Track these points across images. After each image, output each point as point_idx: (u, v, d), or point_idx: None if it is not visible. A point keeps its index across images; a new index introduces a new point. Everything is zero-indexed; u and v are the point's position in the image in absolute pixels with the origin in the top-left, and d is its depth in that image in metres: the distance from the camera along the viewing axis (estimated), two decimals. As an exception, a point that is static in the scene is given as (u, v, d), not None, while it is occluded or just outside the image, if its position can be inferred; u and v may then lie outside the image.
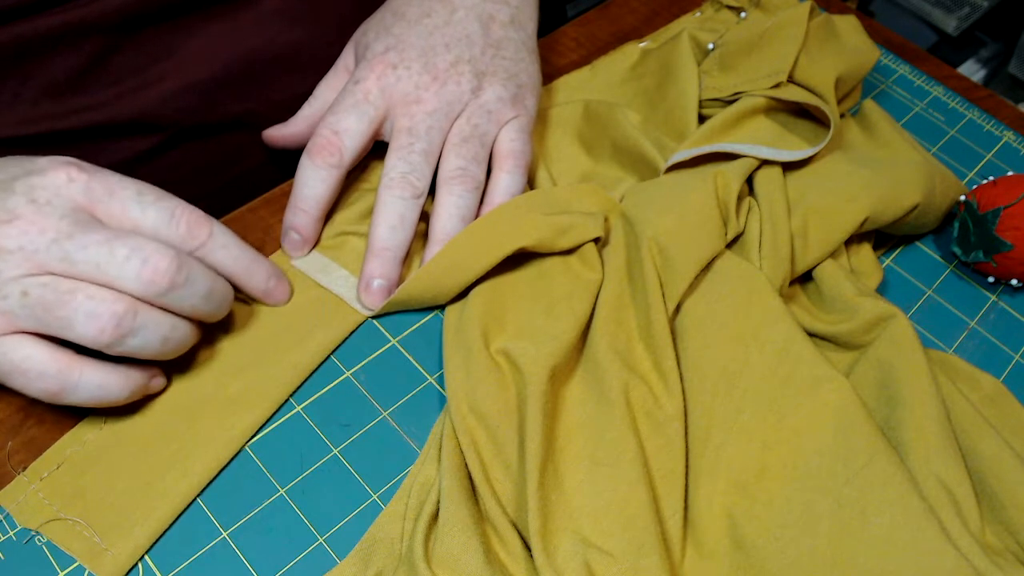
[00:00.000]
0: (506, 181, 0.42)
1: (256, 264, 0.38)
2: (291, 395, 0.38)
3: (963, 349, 0.42)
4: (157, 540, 0.34)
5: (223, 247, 0.37)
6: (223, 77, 0.46)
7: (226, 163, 0.50)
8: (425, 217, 0.43)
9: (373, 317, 0.40)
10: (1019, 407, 0.39)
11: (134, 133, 0.46)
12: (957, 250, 0.44)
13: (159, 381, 0.37)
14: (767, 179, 0.43)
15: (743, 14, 0.52)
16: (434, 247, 0.40)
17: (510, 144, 0.43)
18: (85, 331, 0.32)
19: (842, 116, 0.49)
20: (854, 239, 0.44)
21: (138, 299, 0.33)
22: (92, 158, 0.45)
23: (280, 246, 0.42)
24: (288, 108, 0.47)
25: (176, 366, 0.37)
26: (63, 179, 0.34)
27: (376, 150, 0.44)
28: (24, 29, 0.40)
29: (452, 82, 0.42)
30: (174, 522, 0.34)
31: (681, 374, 0.37)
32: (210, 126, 0.48)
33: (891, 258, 0.46)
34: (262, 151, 0.50)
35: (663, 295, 0.39)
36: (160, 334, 0.34)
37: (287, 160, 0.47)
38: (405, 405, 0.38)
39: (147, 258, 0.33)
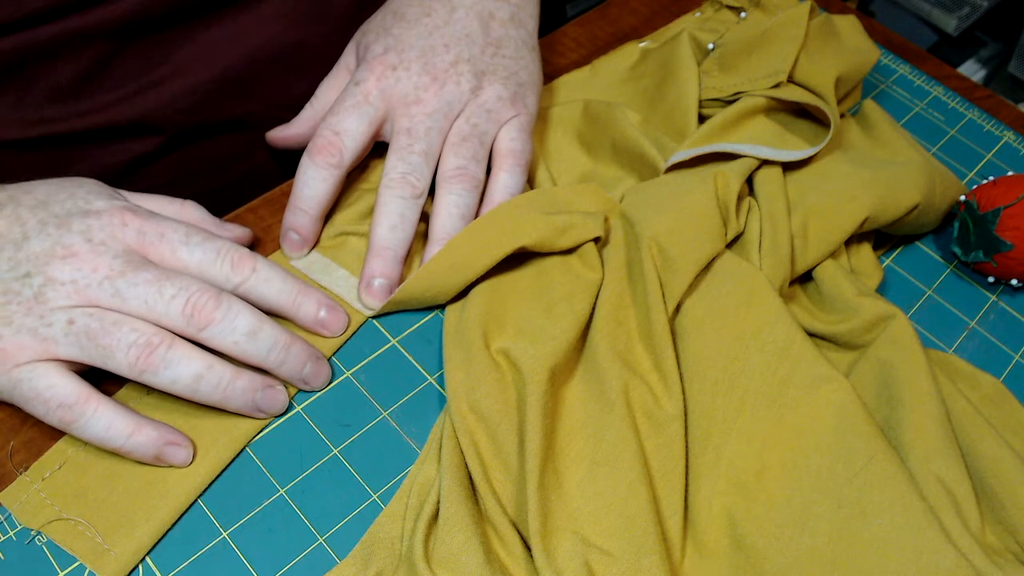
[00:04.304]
0: (505, 180, 0.42)
1: (304, 296, 0.38)
2: (292, 396, 0.38)
3: (963, 349, 0.42)
4: (159, 540, 0.34)
5: (267, 281, 0.37)
6: (224, 79, 0.46)
7: (227, 163, 0.50)
8: (425, 217, 0.43)
9: (373, 317, 0.41)
10: (1019, 407, 0.39)
11: (136, 135, 0.46)
12: (957, 250, 0.44)
13: (178, 452, 0.35)
14: (767, 179, 0.43)
15: (743, 14, 0.52)
16: (434, 246, 0.40)
17: (510, 143, 0.43)
18: (124, 359, 0.33)
19: (842, 116, 0.49)
20: (854, 239, 0.44)
21: (179, 335, 0.34)
22: (95, 160, 0.46)
23: (280, 246, 0.42)
24: (289, 108, 0.47)
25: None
26: (118, 223, 0.35)
27: (376, 150, 0.44)
28: (28, 37, 0.41)
29: (451, 82, 0.42)
30: (176, 522, 0.34)
31: (681, 374, 0.37)
32: (211, 127, 0.48)
33: (891, 258, 0.46)
34: (263, 151, 0.50)
35: (663, 295, 0.39)
36: (193, 370, 0.34)
37: (288, 160, 0.47)
38: (405, 405, 0.38)
39: (190, 296, 0.34)
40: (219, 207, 0.43)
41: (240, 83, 0.47)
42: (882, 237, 0.46)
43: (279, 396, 0.36)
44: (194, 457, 0.35)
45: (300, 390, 0.38)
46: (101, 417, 0.34)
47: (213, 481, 0.35)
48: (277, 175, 0.49)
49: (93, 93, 0.44)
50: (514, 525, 0.33)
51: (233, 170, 0.50)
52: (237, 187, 0.48)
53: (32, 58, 0.42)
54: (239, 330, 0.35)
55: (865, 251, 0.44)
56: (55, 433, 0.36)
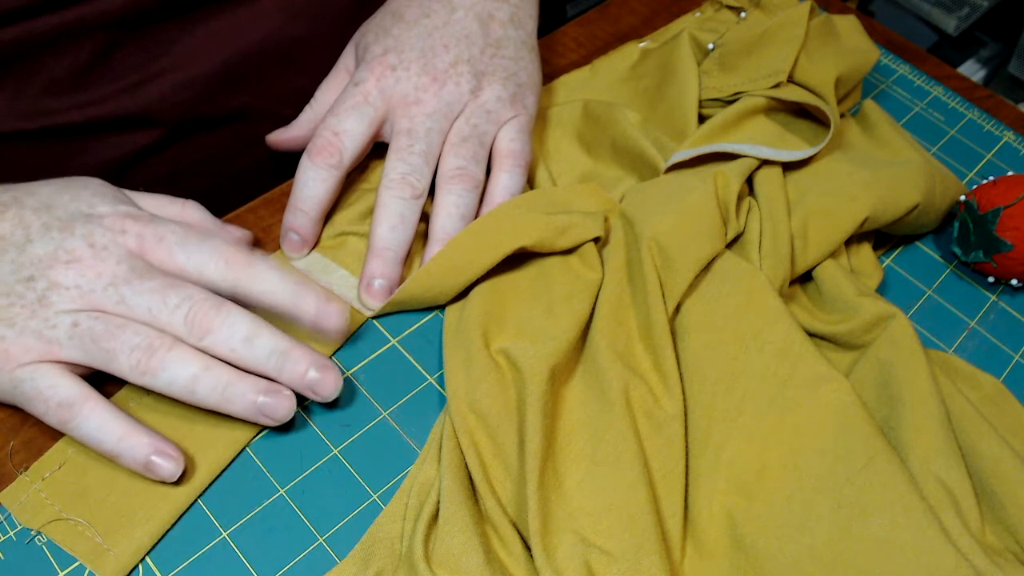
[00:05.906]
0: (505, 180, 0.42)
1: (303, 291, 0.37)
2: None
3: (963, 349, 0.42)
4: (159, 540, 0.34)
5: (264, 278, 0.37)
6: (222, 72, 0.46)
7: (226, 157, 0.50)
8: (425, 218, 0.43)
9: (373, 317, 0.41)
10: (1019, 407, 0.39)
11: (136, 127, 0.46)
12: (957, 250, 0.44)
13: (166, 464, 0.34)
14: (767, 179, 0.43)
15: (743, 14, 0.52)
16: (434, 246, 0.40)
17: (509, 144, 0.43)
18: (127, 362, 0.33)
19: (842, 116, 0.49)
20: (854, 239, 0.44)
21: (179, 340, 0.34)
22: (94, 152, 0.46)
23: (280, 246, 0.42)
24: (287, 102, 0.47)
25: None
26: (119, 228, 0.36)
27: (376, 150, 0.44)
28: (27, 28, 0.41)
29: (451, 83, 0.42)
30: (176, 522, 0.34)
31: (681, 374, 0.37)
32: (209, 120, 0.48)
33: (891, 258, 0.46)
34: (261, 145, 0.50)
35: (663, 295, 0.39)
36: (190, 371, 0.34)
37: (288, 154, 0.47)
38: (405, 405, 0.38)
39: (193, 305, 0.34)
40: (220, 201, 0.43)
41: (239, 76, 0.47)
42: (882, 237, 0.46)
43: (284, 402, 0.35)
44: (185, 470, 0.35)
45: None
46: (95, 418, 0.33)
47: (213, 481, 0.35)
48: (277, 169, 0.49)
49: (92, 85, 0.44)
50: (514, 525, 0.33)
51: (233, 163, 0.50)
52: (237, 180, 0.49)
53: (31, 50, 0.42)
54: (236, 336, 0.35)
55: (865, 251, 0.44)
56: (55, 433, 0.36)
